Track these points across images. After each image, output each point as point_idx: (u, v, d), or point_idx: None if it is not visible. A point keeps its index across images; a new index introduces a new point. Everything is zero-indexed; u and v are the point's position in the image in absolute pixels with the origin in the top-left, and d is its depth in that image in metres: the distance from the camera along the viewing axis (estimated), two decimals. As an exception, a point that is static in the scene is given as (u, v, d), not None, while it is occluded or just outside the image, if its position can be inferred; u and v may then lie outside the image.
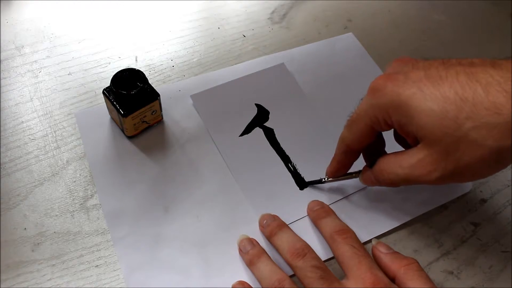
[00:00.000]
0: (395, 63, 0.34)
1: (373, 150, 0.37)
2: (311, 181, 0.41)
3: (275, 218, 0.38)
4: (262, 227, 0.37)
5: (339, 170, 0.38)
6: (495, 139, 0.27)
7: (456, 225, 0.40)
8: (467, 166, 0.29)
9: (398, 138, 0.37)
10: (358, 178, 0.38)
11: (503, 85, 0.27)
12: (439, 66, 0.30)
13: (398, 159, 0.32)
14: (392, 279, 0.33)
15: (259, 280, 0.34)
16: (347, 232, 0.35)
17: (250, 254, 0.35)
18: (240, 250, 0.36)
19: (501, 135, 0.27)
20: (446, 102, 0.28)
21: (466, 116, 0.27)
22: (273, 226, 0.37)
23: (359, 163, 0.37)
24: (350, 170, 0.38)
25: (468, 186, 0.42)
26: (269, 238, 0.37)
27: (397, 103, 0.30)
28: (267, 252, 0.36)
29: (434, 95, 0.29)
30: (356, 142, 0.35)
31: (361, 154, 0.38)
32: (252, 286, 0.35)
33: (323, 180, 0.40)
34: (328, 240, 0.36)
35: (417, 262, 0.33)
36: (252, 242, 0.36)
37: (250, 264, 0.35)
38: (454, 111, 0.28)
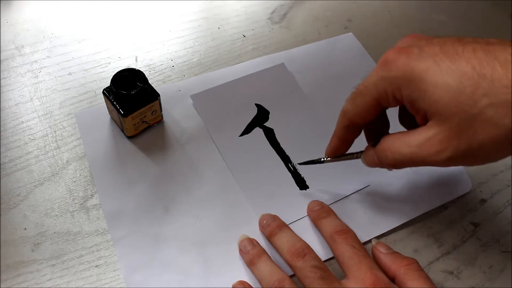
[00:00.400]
0: (408, 38, 0.32)
1: (377, 129, 0.35)
2: (308, 161, 0.40)
3: (275, 218, 0.38)
4: (262, 227, 0.37)
5: (339, 148, 0.36)
6: None
7: (456, 225, 0.40)
8: (481, 146, 0.27)
9: (404, 118, 0.35)
10: (359, 159, 0.36)
11: None
12: (455, 43, 0.29)
13: (405, 137, 0.30)
14: (392, 279, 0.33)
15: (259, 280, 0.34)
16: (347, 232, 0.35)
17: (251, 254, 0.35)
18: (240, 250, 0.36)
19: None
20: (463, 77, 0.26)
21: (483, 93, 0.26)
22: (273, 226, 0.37)
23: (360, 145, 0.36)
24: (351, 151, 0.37)
25: (468, 186, 0.42)
26: (269, 238, 0.37)
27: (410, 76, 0.28)
28: (267, 252, 0.36)
29: (450, 69, 0.27)
30: (359, 116, 0.33)
31: (364, 134, 0.36)
32: (253, 286, 0.35)
33: (322, 159, 0.39)
34: (328, 240, 0.36)
35: (417, 262, 0.33)
36: (253, 242, 0.36)
37: (250, 264, 0.35)
38: (471, 86, 0.26)
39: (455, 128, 0.27)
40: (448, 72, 0.27)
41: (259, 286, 0.34)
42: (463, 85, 0.26)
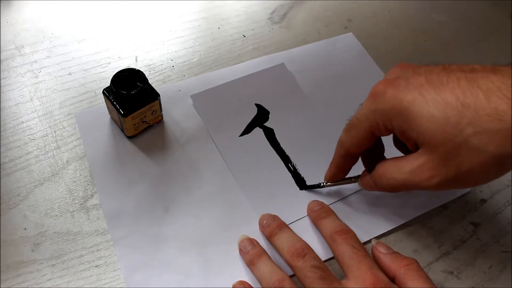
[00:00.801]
0: (396, 68, 0.34)
1: (372, 154, 0.37)
2: (310, 185, 0.41)
3: (275, 218, 0.38)
4: (262, 227, 0.37)
5: (338, 174, 0.38)
6: (497, 145, 0.27)
7: (456, 225, 0.40)
8: (468, 172, 0.28)
9: (398, 143, 0.37)
10: (357, 183, 0.38)
11: (504, 92, 0.27)
12: (440, 72, 0.30)
13: (397, 164, 0.32)
14: (392, 279, 0.33)
15: (259, 280, 0.34)
16: (347, 233, 0.35)
17: (251, 254, 0.35)
18: (240, 250, 0.36)
19: (502, 141, 0.26)
20: (448, 108, 0.28)
21: (467, 122, 0.27)
22: (273, 227, 0.37)
23: (358, 168, 0.37)
24: (349, 175, 0.38)
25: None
26: (269, 238, 0.37)
27: (398, 108, 0.30)
28: (267, 252, 0.36)
29: (435, 101, 0.28)
30: (355, 146, 0.35)
31: (360, 159, 0.38)
32: (253, 286, 0.35)
33: (322, 184, 0.40)
34: (328, 240, 0.36)
35: (417, 262, 0.33)
36: (253, 242, 0.36)
37: (250, 264, 0.35)
38: (455, 116, 0.28)
39: (443, 156, 0.29)
40: (433, 103, 0.29)
41: (259, 286, 0.34)
42: (448, 116, 0.28)
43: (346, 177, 0.38)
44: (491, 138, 0.27)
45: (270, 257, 0.35)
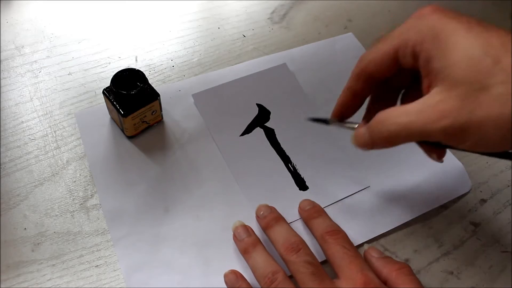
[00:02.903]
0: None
1: (382, 107, 0.32)
2: (316, 118, 0.37)
3: (272, 210, 0.38)
4: (259, 217, 0.37)
5: (348, 101, 0.34)
6: None
7: (456, 225, 0.40)
8: (480, 123, 0.25)
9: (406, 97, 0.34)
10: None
11: None
12: (494, 25, 0.27)
13: (403, 107, 0.29)
14: (384, 283, 0.33)
15: (252, 270, 0.34)
16: (338, 233, 0.35)
17: (245, 242, 0.35)
18: (235, 237, 0.36)
19: None
20: (489, 47, 0.26)
21: (502, 68, 0.25)
22: (270, 218, 0.37)
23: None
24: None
25: (468, 186, 0.42)
26: (264, 229, 0.37)
27: (438, 31, 0.27)
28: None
29: (480, 36, 0.26)
30: (374, 63, 0.31)
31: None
32: (244, 276, 0.35)
33: (329, 120, 0.36)
34: (319, 241, 0.36)
35: (409, 267, 0.33)
36: (248, 230, 0.36)
37: (244, 252, 0.35)
38: (493, 58, 0.25)
39: (461, 97, 0.26)
40: (476, 38, 0.26)
41: (251, 274, 0.34)
42: (486, 54, 0.25)
43: (351, 122, 0.35)
44: None
45: (265, 248, 0.35)
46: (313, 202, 0.39)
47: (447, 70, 0.27)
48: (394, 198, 0.40)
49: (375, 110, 0.32)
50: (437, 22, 0.28)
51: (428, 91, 0.28)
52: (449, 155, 0.43)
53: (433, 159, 0.32)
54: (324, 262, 0.36)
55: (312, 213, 0.38)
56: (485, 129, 0.26)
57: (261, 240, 0.36)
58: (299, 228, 0.38)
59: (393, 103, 0.35)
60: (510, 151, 0.28)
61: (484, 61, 0.25)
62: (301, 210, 0.39)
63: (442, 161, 0.32)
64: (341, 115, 0.35)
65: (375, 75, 0.32)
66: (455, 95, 0.26)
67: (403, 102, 0.34)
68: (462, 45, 0.26)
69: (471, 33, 0.26)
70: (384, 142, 0.30)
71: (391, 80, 0.33)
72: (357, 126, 0.33)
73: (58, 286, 0.35)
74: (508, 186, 0.42)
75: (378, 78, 0.32)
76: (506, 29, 0.27)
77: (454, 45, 0.27)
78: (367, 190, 0.41)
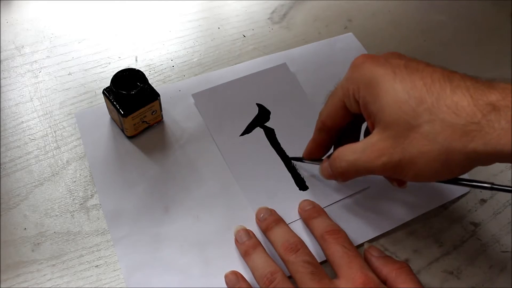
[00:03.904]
0: (387, 53, 0.34)
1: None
2: (293, 157, 0.41)
3: (272, 212, 0.38)
4: (259, 220, 0.38)
5: (314, 150, 0.38)
6: (446, 138, 0.27)
7: (456, 225, 0.40)
8: (412, 159, 0.28)
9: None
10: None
11: (471, 91, 0.27)
12: (421, 63, 0.30)
13: (353, 145, 0.32)
14: (384, 282, 0.33)
15: (252, 271, 0.35)
16: (338, 232, 0.35)
17: (246, 244, 0.36)
18: (236, 240, 0.37)
19: (452, 136, 0.26)
20: (412, 89, 0.28)
21: (426, 108, 0.27)
22: (270, 221, 0.37)
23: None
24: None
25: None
26: (264, 232, 0.37)
27: (368, 79, 0.30)
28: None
29: (404, 80, 0.29)
30: (330, 117, 0.35)
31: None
32: (245, 277, 0.35)
33: (303, 159, 0.40)
34: (319, 240, 0.36)
35: (409, 266, 0.33)
36: (249, 233, 0.37)
37: (245, 254, 0.36)
38: (416, 99, 0.28)
39: (394, 137, 0.29)
40: (401, 82, 0.29)
41: (252, 276, 0.34)
42: (410, 96, 0.28)
43: (321, 158, 0.38)
44: (443, 129, 0.27)
45: (265, 249, 0.35)
46: (313, 202, 0.39)
47: (379, 113, 0.30)
48: (394, 199, 0.40)
49: (342, 143, 0.35)
50: (367, 70, 0.31)
51: (372, 129, 0.31)
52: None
53: (395, 186, 0.34)
54: (324, 262, 0.36)
55: (312, 213, 0.38)
56: (419, 164, 0.28)
57: (262, 244, 0.36)
58: (299, 228, 0.38)
59: (356, 137, 0.38)
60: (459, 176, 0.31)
61: (409, 103, 0.28)
62: (301, 210, 0.39)
63: (405, 187, 0.34)
64: (312, 156, 0.39)
65: (334, 127, 0.35)
66: (389, 135, 0.29)
67: (366, 135, 0.37)
68: (389, 90, 0.29)
69: (397, 78, 0.29)
70: (340, 176, 0.34)
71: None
72: (323, 161, 0.36)
73: (58, 286, 0.35)
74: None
75: (338, 128, 0.36)
76: (435, 67, 0.29)
77: (382, 90, 0.29)
78: (366, 191, 0.41)
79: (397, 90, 0.29)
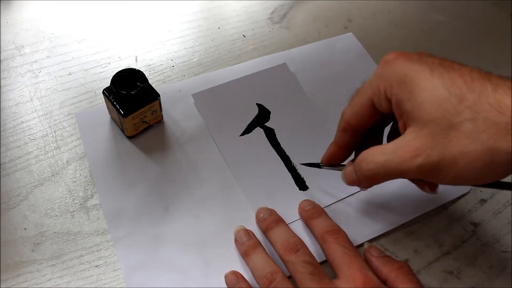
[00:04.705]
0: (415, 52, 0.32)
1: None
2: (309, 163, 0.39)
3: (272, 212, 0.38)
4: (259, 220, 0.38)
5: (335, 154, 0.36)
6: (490, 136, 0.25)
7: (456, 225, 0.40)
8: (453, 159, 0.26)
9: (392, 136, 0.35)
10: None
11: None
12: (455, 62, 0.29)
13: (382, 147, 0.30)
14: (383, 283, 0.33)
15: (252, 271, 0.34)
16: (338, 232, 0.35)
17: (246, 245, 0.36)
18: (236, 241, 0.37)
19: (497, 135, 0.25)
20: (452, 86, 0.27)
21: (467, 105, 0.26)
22: (270, 221, 0.37)
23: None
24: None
25: (468, 186, 0.42)
26: (264, 232, 0.37)
27: (402, 75, 0.29)
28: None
29: (442, 77, 0.27)
30: (355, 117, 0.33)
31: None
32: (245, 277, 0.35)
33: (321, 165, 0.38)
34: (319, 240, 0.36)
35: (409, 266, 0.33)
36: (249, 233, 0.37)
37: (245, 255, 0.36)
38: (457, 96, 0.26)
39: (433, 135, 0.27)
40: (439, 78, 0.27)
41: (252, 276, 0.34)
42: (450, 93, 0.27)
43: (341, 164, 0.36)
44: (487, 127, 0.25)
45: (264, 250, 0.35)
46: (313, 202, 0.39)
47: (415, 111, 0.28)
48: (394, 198, 0.40)
49: (363, 148, 0.32)
50: (401, 67, 0.29)
51: (403, 130, 0.29)
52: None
53: (427, 191, 0.32)
54: (324, 262, 0.36)
55: (312, 213, 0.38)
56: (460, 165, 0.26)
57: (262, 244, 0.36)
58: (299, 228, 0.38)
59: (379, 142, 0.35)
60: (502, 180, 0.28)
61: (449, 100, 0.26)
62: (301, 210, 0.39)
63: (436, 193, 0.32)
64: (331, 163, 0.36)
65: (359, 127, 0.33)
66: (426, 134, 0.27)
67: (389, 139, 0.35)
68: (427, 87, 0.27)
69: (434, 74, 0.28)
70: (367, 180, 0.31)
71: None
72: (346, 165, 0.34)
73: (58, 286, 0.35)
74: (508, 186, 0.42)
75: (363, 129, 0.33)
76: (470, 67, 0.28)
77: (418, 87, 0.28)
78: (367, 190, 0.41)
79: (436, 87, 0.27)
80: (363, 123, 0.33)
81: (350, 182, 0.33)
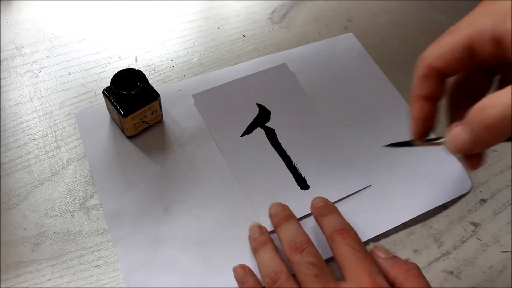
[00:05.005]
0: None
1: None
2: (397, 143, 0.32)
3: (284, 208, 0.37)
4: (271, 215, 0.37)
5: (424, 111, 0.29)
6: None
7: (456, 225, 0.40)
8: None
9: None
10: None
11: None
12: None
13: (503, 90, 0.23)
14: (391, 285, 0.32)
15: (259, 268, 0.34)
16: (348, 232, 0.34)
17: (257, 240, 0.35)
18: (249, 236, 0.36)
19: None
20: None
21: None
22: (280, 217, 0.36)
23: None
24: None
25: (468, 186, 0.42)
26: (275, 228, 0.36)
27: None
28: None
29: None
30: (443, 59, 0.26)
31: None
32: (253, 271, 0.35)
33: (412, 142, 0.30)
34: (328, 240, 0.35)
35: (418, 268, 0.32)
36: (262, 229, 0.36)
37: (254, 251, 0.35)
38: None
39: None
40: None
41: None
42: None
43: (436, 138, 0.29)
44: None
45: (274, 247, 0.35)
46: (325, 200, 0.37)
47: None
48: (395, 198, 0.40)
49: (460, 116, 0.26)
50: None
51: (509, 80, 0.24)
52: (449, 155, 0.43)
53: (468, 168, 0.28)
54: (332, 260, 0.36)
55: (323, 211, 0.36)
56: None
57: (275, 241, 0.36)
58: (309, 225, 0.38)
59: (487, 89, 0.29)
60: None
61: None
62: (313, 207, 0.37)
63: (477, 168, 0.28)
64: (425, 130, 0.30)
65: (445, 71, 0.27)
66: None
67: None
68: None
69: None
70: (488, 132, 0.23)
71: (468, 83, 0.29)
72: (452, 126, 0.26)
73: (58, 286, 0.35)
74: (508, 186, 0.42)
75: (447, 76, 0.28)
76: None
77: None
78: (367, 189, 0.41)
79: None
80: (451, 68, 0.27)
81: (460, 145, 0.25)
